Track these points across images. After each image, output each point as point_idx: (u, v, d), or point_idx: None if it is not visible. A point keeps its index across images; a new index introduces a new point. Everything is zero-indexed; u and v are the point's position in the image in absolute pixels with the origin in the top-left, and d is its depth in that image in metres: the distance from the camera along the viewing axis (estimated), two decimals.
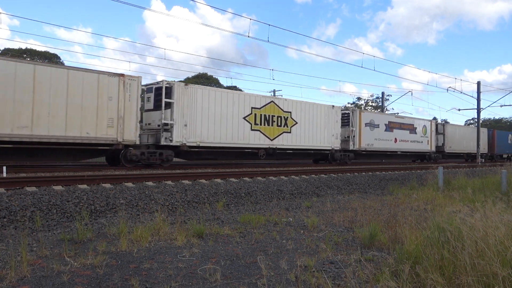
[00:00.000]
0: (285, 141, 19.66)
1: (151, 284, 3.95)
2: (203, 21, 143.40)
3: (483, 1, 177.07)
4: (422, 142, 29.33)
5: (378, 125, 25.41)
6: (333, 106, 22.53)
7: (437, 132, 31.81)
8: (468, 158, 36.94)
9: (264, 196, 11.36)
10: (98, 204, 8.39)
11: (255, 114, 18.46)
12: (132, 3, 44.00)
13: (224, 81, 62.08)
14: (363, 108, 61.72)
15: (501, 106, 59.10)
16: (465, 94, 36.02)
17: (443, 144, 32.24)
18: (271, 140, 19.06)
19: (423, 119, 30.31)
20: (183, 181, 11.12)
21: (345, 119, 23.61)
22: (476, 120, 36.69)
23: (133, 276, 4.13)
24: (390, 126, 26.42)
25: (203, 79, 53.55)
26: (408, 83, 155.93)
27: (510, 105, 48.03)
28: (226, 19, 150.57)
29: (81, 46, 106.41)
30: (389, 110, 51.74)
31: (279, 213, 8.57)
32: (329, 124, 21.91)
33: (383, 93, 41.60)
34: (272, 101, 19.32)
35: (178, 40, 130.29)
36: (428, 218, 6.25)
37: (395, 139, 26.75)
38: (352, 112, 24.01)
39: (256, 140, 18.48)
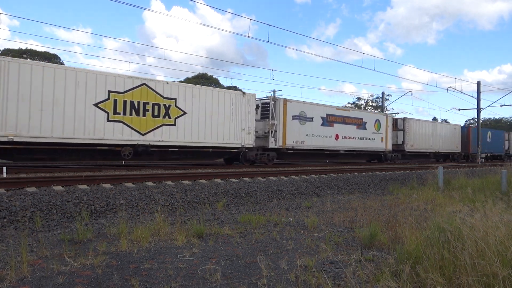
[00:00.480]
0: (166, 137, 15.56)
1: (151, 284, 3.95)
2: (202, 21, 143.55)
3: (483, 1, 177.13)
4: (374, 139, 25.22)
5: (312, 118, 21.16)
6: (243, 93, 18.30)
7: (396, 128, 28.30)
8: (439, 158, 33.48)
9: (264, 196, 11.36)
10: (98, 204, 8.39)
11: (115, 100, 14.23)
12: (132, 3, 44.00)
13: (224, 81, 62.20)
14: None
15: (501, 106, 59.18)
16: (465, 94, 36.01)
17: (403, 142, 28.29)
18: (143, 134, 14.93)
19: (375, 113, 26.03)
20: (183, 181, 11.12)
21: (266, 111, 19.51)
22: (476, 120, 36.69)
23: (133, 277, 4.13)
24: (329, 120, 22.26)
25: (203, 79, 53.65)
26: (408, 83, 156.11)
27: (510, 105, 48.02)
28: (226, 19, 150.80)
29: (81, 46, 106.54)
30: (389, 110, 51.64)
31: (279, 213, 8.57)
32: (238, 116, 17.69)
33: (383, 93, 41.58)
34: (144, 84, 15.09)
35: (178, 40, 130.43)
36: (428, 218, 6.25)
37: (337, 135, 22.59)
38: (274, 102, 19.63)
39: (117, 134, 14.30)
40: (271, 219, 7.62)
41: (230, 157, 19.23)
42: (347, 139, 23.37)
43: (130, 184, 10.07)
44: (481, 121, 35.86)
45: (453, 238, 3.77)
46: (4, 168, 10.96)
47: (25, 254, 4.53)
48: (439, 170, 14.11)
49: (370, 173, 17.65)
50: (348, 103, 67.27)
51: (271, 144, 19.20)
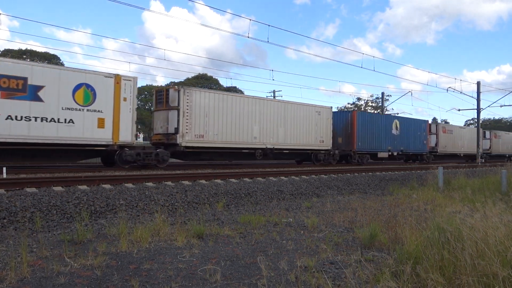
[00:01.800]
0: None
1: (151, 285, 3.95)
2: (202, 22, 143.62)
3: (482, 1, 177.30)
4: (72, 122, 13.33)
5: None
6: None
7: (167, 106, 16.53)
8: (280, 158, 21.54)
9: (264, 197, 11.35)
10: (98, 205, 8.38)
11: None
12: (131, 4, 44.02)
13: (224, 82, 62.18)
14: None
15: (501, 106, 59.24)
16: (464, 94, 35.94)
17: (177, 130, 16.09)
18: None
19: (77, 70, 13.84)
20: (183, 182, 11.12)
21: None
22: (476, 120, 36.68)
23: (133, 277, 4.13)
24: None
25: (203, 80, 53.62)
26: (407, 83, 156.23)
27: (509, 105, 48.08)
28: (226, 19, 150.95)
29: (80, 47, 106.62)
30: (389, 111, 51.74)
31: (279, 214, 8.56)
32: None
33: (383, 93, 41.61)
34: None
35: (178, 41, 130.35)
36: (428, 218, 6.25)
37: None
38: None
39: None
40: (271, 220, 7.62)
41: None
42: None
43: (130, 185, 10.07)
44: (481, 121, 35.86)
45: (453, 239, 3.77)
46: (4, 169, 10.95)
47: (25, 255, 4.53)
48: (439, 171, 14.18)
49: (370, 173, 17.70)
50: (348, 103, 67.24)
51: None
